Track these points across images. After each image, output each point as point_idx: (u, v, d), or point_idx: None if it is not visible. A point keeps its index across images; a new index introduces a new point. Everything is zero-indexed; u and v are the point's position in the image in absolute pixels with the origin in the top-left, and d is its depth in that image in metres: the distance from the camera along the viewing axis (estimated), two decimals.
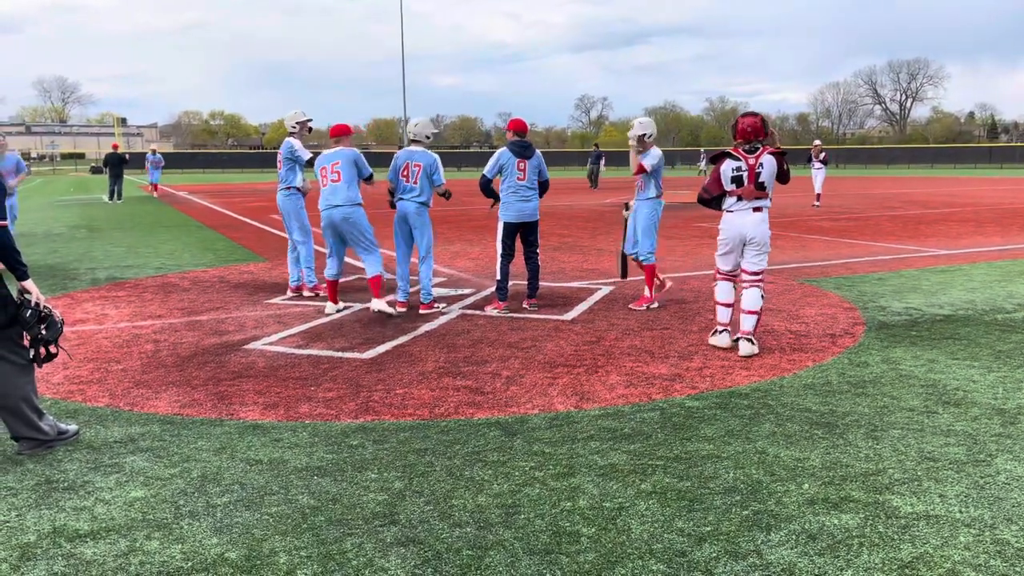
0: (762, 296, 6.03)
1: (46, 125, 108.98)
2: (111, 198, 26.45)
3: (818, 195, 20.72)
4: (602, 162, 34.68)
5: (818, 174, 20.83)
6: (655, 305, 7.73)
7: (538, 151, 7.62)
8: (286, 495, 3.60)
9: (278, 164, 8.59)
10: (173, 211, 22.13)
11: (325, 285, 7.92)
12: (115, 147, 30.61)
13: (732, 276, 6.15)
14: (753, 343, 5.94)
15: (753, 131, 5.91)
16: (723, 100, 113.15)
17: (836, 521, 3.30)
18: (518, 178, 7.44)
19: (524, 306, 7.67)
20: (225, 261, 11.41)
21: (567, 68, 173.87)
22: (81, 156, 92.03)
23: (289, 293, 8.64)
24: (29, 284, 4.05)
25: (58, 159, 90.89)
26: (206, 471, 3.88)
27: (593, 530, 3.24)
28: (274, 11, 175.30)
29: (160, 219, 19.33)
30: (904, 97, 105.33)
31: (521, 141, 7.53)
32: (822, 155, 21.06)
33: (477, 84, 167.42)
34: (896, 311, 7.46)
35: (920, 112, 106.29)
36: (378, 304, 7.44)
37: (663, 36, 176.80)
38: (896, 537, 3.16)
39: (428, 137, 7.80)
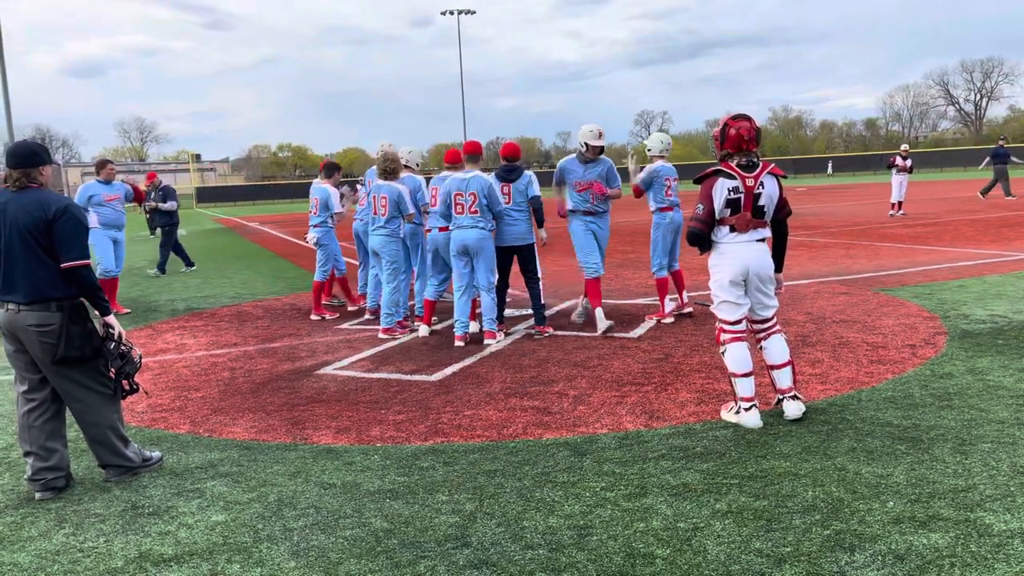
0: (787, 342, 4.85)
1: (126, 164, 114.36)
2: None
3: (900, 203, 19.83)
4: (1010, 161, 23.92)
5: (904, 181, 19.94)
6: (668, 320, 7.69)
7: (528, 172, 7.50)
8: (360, 518, 3.65)
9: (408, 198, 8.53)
10: (245, 242, 22.84)
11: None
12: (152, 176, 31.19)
13: (743, 332, 4.77)
14: (800, 399, 4.77)
15: (749, 138, 4.58)
16: (786, 109, 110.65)
17: (925, 540, 3.16)
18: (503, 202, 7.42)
19: (534, 334, 7.42)
20: (296, 288, 11.70)
21: (628, 84, 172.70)
22: None
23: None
24: (111, 319, 4.23)
25: None
26: (282, 495, 3.96)
27: (668, 551, 3.18)
28: (341, 42, 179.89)
29: (233, 250, 19.96)
30: (979, 97, 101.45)
31: (508, 165, 7.51)
32: (908, 161, 20.14)
33: (537, 104, 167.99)
34: (980, 319, 7.14)
35: (997, 111, 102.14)
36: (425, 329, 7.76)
37: (726, 47, 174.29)
38: (990, 556, 3.01)
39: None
